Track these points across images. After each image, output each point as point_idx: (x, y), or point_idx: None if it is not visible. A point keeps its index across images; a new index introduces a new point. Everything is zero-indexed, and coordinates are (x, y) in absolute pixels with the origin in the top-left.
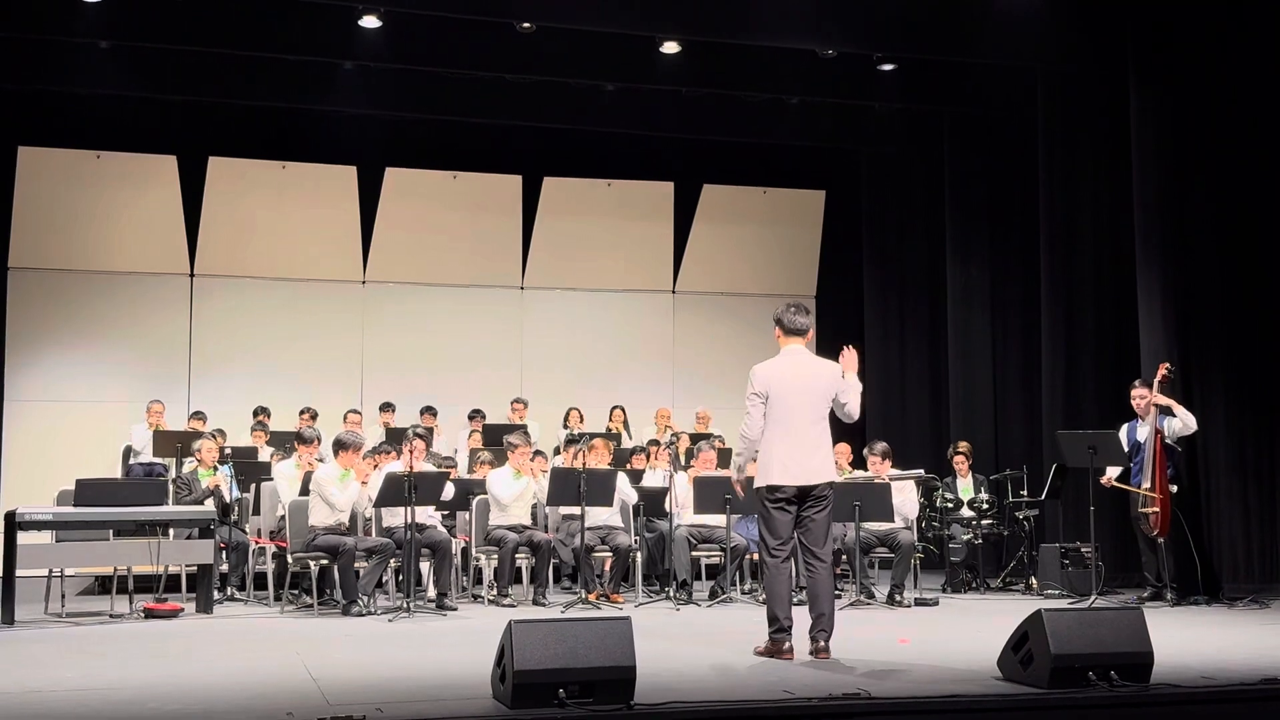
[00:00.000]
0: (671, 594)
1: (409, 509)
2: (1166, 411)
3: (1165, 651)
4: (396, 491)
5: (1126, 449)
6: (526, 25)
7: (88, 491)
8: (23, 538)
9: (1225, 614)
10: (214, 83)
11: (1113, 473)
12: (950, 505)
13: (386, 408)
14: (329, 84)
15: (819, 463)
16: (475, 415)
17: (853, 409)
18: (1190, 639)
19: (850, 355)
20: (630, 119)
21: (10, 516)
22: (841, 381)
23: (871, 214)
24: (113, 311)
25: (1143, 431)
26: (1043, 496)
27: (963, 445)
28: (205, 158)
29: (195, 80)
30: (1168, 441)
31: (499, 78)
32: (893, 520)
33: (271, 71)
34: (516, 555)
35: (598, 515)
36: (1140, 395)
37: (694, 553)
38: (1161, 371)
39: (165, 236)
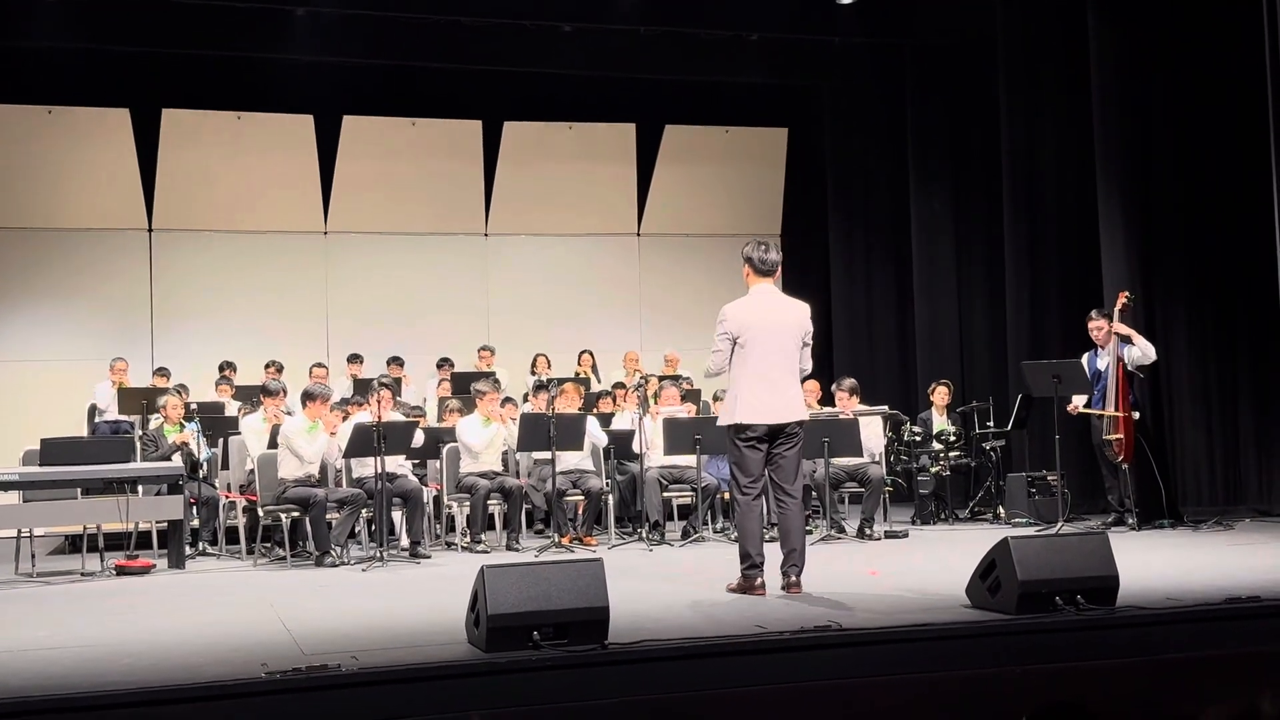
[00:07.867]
0: (644, 535)
1: (379, 459)
2: (1126, 340)
3: (1130, 575)
4: (366, 442)
5: (1089, 378)
6: None
7: (53, 450)
8: None
9: (1190, 537)
10: (165, 33)
11: (1079, 401)
12: (918, 439)
13: (354, 359)
14: (281, 31)
15: (789, 401)
16: (443, 364)
17: (805, 363)
18: (1155, 562)
19: None
20: (589, 60)
21: None
22: (810, 323)
23: (834, 150)
24: (71, 269)
25: (1103, 360)
26: (1009, 427)
27: (945, 383)
28: (159, 110)
29: (146, 31)
30: (1129, 369)
31: (454, 21)
32: (861, 455)
33: (223, 20)
34: (489, 502)
35: (569, 459)
36: (1097, 326)
37: (665, 494)
38: (1121, 300)
39: (121, 191)
